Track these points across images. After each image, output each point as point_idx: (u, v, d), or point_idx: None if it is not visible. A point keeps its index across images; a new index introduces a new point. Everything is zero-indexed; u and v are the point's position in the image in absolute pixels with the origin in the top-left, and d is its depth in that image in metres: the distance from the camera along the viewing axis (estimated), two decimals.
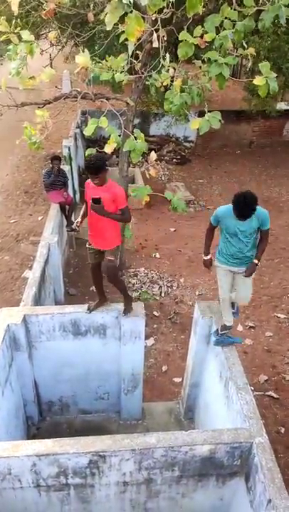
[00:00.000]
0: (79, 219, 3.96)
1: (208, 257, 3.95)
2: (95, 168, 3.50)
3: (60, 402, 4.62)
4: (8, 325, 3.87)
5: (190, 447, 3.00)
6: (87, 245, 4.01)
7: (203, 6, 4.01)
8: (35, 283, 4.97)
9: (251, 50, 3.90)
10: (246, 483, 3.15)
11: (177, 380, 5.52)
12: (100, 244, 3.89)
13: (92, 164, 3.49)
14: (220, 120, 4.00)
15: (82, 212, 3.96)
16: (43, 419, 4.68)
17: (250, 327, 6.45)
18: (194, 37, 3.75)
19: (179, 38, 3.76)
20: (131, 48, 3.87)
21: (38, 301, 4.89)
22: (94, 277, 4.20)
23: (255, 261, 3.67)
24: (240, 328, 6.34)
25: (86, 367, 4.40)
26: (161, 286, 7.18)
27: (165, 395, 5.36)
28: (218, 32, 3.81)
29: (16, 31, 4.27)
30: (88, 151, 4.34)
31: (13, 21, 4.33)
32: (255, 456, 2.96)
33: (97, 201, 3.51)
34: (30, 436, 4.47)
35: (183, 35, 3.71)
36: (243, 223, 3.51)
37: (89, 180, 3.75)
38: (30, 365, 4.22)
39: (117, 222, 3.83)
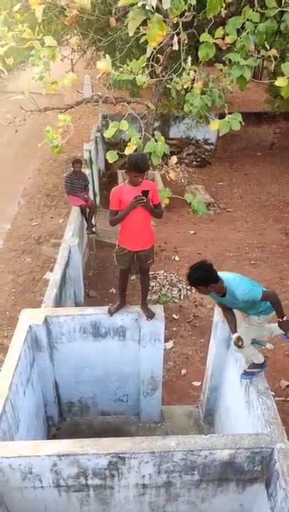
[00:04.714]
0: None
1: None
2: (145, 165, 3.48)
3: (79, 403, 4.66)
4: (30, 326, 3.93)
5: (210, 451, 2.98)
6: (118, 251, 3.89)
7: (225, 9, 4.00)
8: (56, 285, 5.03)
9: (274, 52, 3.87)
10: (267, 489, 3.10)
11: (196, 383, 5.48)
12: (144, 243, 3.81)
13: (142, 161, 3.47)
14: (240, 122, 3.99)
15: (123, 214, 3.66)
16: (63, 420, 4.72)
17: None
18: (215, 38, 3.75)
19: (200, 40, 3.77)
20: (150, 51, 3.90)
21: (58, 302, 4.95)
22: (122, 281, 4.18)
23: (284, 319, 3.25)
24: None
25: (105, 369, 4.42)
26: (180, 289, 7.16)
27: (184, 398, 5.33)
28: (239, 34, 3.80)
29: (38, 38, 4.37)
30: (109, 154, 4.38)
31: (36, 28, 4.43)
32: (276, 462, 2.92)
33: (146, 194, 3.50)
34: (51, 436, 4.52)
35: (204, 36, 3.72)
36: (220, 299, 3.35)
37: (121, 187, 3.68)
38: (51, 365, 4.27)
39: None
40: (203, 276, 3.14)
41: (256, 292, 3.19)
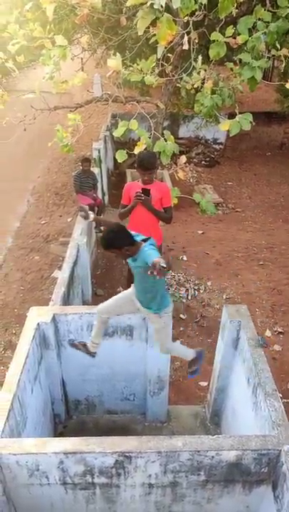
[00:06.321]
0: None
1: None
2: (150, 163, 3.50)
3: (86, 402, 4.67)
4: (38, 323, 3.94)
5: (216, 452, 2.97)
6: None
7: (236, 8, 3.98)
8: (64, 283, 5.05)
9: (285, 51, 3.84)
10: (274, 491, 3.08)
11: (203, 384, 5.47)
12: None
13: (147, 160, 3.49)
14: (251, 122, 3.97)
15: (127, 209, 3.71)
16: (70, 418, 4.74)
17: (279, 332, 6.32)
18: (226, 37, 3.74)
19: (211, 39, 3.77)
20: (160, 50, 3.90)
21: (66, 301, 4.97)
22: (130, 280, 4.20)
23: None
24: (268, 333, 6.23)
25: (112, 367, 4.43)
26: (188, 289, 7.14)
27: (191, 398, 5.32)
28: (250, 34, 3.78)
29: (49, 36, 4.39)
30: (118, 153, 4.39)
31: (47, 27, 4.45)
32: (284, 464, 2.90)
33: (146, 193, 3.50)
34: (57, 434, 4.54)
35: (214, 35, 3.71)
36: (133, 262, 3.23)
37: (132, 183, 3.75)
38: (58, 363, 4.29)
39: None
40: (111, 238, 3.08)
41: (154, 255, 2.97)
